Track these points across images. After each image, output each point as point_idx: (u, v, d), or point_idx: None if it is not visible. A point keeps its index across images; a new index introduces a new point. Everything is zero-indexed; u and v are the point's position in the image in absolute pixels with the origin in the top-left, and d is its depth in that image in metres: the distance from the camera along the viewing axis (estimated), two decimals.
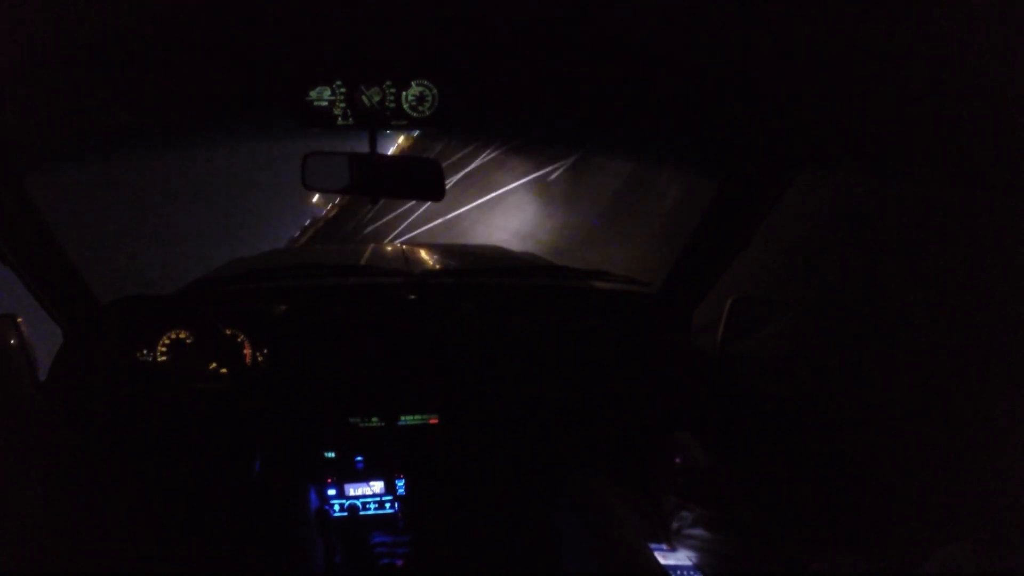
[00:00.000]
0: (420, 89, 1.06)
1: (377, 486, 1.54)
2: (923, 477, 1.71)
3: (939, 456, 1.84)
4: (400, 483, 1.54)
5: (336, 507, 1.52)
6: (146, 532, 1.35)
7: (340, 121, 1.08)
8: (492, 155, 11.59)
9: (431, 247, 2.69)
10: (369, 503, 1.53)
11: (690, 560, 1.08)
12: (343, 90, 1.06)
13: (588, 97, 1.11)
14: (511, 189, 9.68)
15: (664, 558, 1.06)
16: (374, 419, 1.52)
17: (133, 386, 1.41)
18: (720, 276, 1.54)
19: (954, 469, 1.75)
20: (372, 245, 2.71)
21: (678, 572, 1.04)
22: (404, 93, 1.06)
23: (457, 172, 12.23)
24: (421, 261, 2.38)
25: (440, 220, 10.97)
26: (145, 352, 1.40)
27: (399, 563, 1.45)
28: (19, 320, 1.28)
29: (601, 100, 1.12)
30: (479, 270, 1.94)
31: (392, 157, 1.18)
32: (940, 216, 2.48)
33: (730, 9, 0.67)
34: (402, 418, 1.54)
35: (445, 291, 1.66)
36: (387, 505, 1.54)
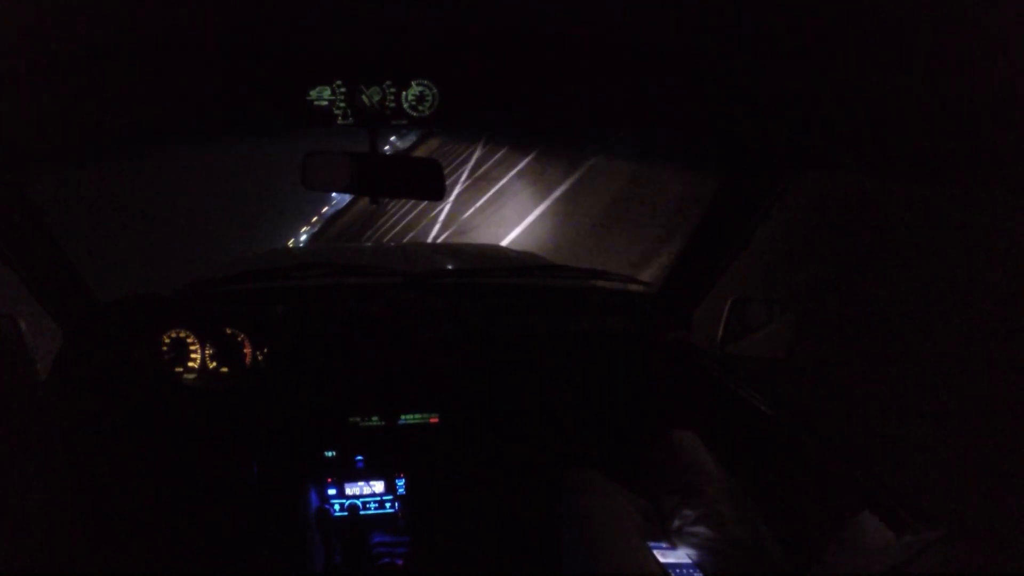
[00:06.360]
0: (420, 89, 1.06)
1: (377, 486, 1.54)
2: (920, 475, 1.71)
3: (937, 455, 1.84)
4: (400, 483, 1.54)
5: (336, 507, 1.52)
6: (146, 532, 1.35)
7: (340, 121, 1.08)
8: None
9: (431, 247, 2.69)
10: (369, 503, 1.53)
11: (690, 558, 1.08)
12: (343, 90, 1.05)
13: (588, 96, 1.11)
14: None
15: (664, 556, 1.06)
16: (374, 419, 1.52)
17: (133, 386, 1.41)
18: (720, 276, 1.54)
19: (951, 468, 1.75)
20: (372, 245, 2.71)
21: (678, 571, 1.04)
22: (404, 93, 1.06)
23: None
24: (421, 261, 2.37)
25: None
26: (145, 352, 1.40)
27: (399, 563, 1.45)
28: (19, 320, 1.28)
29: (601, 99, 1.12)
30: (479, 270, 1.94)
31: (392, 156, 1.18)
32: (939, 216, 2.48)
33: (730, 9, 0.67)
34: (402, 418, 1.54)
35: (445, 291, 1.66)
36: (387, 505, 1.54)
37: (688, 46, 0.82)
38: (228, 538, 1.35)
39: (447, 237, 10.02)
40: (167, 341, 1.42)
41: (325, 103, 1.06)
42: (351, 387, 1.52)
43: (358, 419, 1.52)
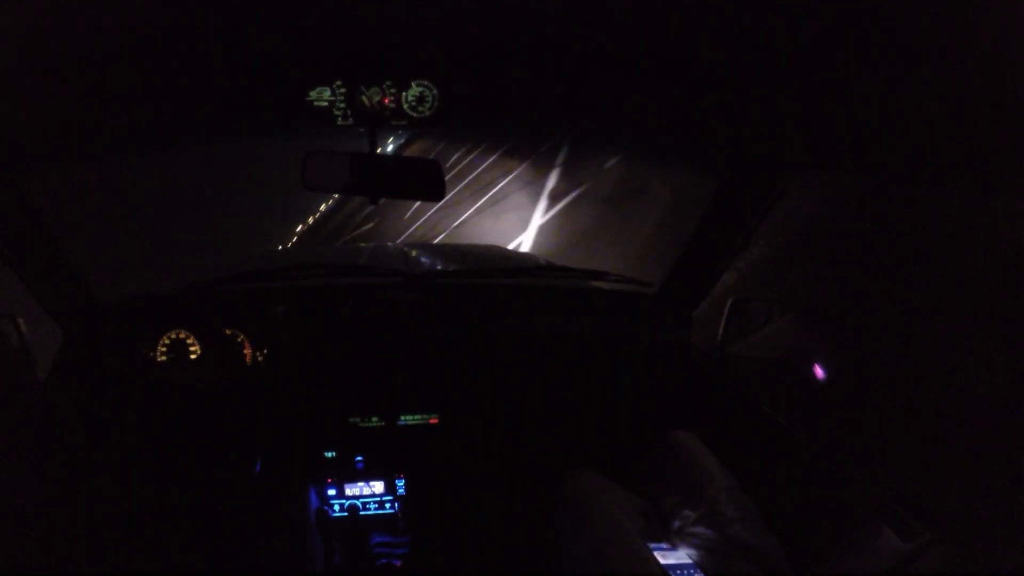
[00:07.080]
0: (420, 89, 1.06)
1: (377, 486, 1.54)
2: (920, 476, 1.71)
3: (936, 457, 1.84)
4: (400, 483, 1.54)
5: (336, 507, 1.52)
6: (146, 532, 1.35)
7: (340, 121, 1.08)
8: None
9: (431, 247, 2.69)
10: (369, 503, 1.53)
11: (691, 559, 1.07)
12: (343, 90, 1.06)
13: (588, 97, 1.11)
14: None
15: (664, 557, 1.06)
16: (374, 419, 1.52)
17: (133, 386, 1.41)
18: (720, 276, 1.54)
19: (949, 470, 1.75)
20: (372, 245, 2.71)
21: (679, 571, 1.04)
22: (404, 93, 1.06)
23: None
24: (421, 261, 2.38)
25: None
26: (145, 352, 1.40)
27: (398, 563, 1.45)
28: (19, 320, 1.28)
29: (601, 100, 1.12)
30: (479, 270, 1.94)
31: (392, 157, 1.18)
32: (937, 216, 2.48)
33: (730, 10, 0.67)
34: (402, 418, 1.54)
35: (445, 291, 1.66)
36: (387, 505, 1.54)
37: (688, 47, 0.82)
38: (227, 538, 1.35)
39: None
40: (167, 341, 1.42)
41: (325, 103, 1.06)
42: (351, 387, 1.52)
43: (358, 419, 1.52)
